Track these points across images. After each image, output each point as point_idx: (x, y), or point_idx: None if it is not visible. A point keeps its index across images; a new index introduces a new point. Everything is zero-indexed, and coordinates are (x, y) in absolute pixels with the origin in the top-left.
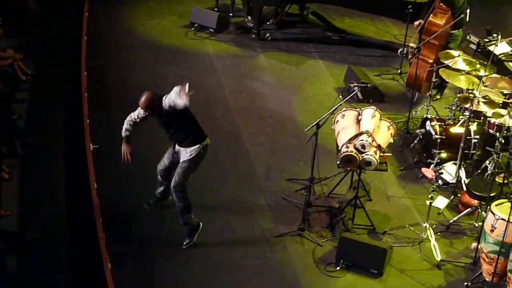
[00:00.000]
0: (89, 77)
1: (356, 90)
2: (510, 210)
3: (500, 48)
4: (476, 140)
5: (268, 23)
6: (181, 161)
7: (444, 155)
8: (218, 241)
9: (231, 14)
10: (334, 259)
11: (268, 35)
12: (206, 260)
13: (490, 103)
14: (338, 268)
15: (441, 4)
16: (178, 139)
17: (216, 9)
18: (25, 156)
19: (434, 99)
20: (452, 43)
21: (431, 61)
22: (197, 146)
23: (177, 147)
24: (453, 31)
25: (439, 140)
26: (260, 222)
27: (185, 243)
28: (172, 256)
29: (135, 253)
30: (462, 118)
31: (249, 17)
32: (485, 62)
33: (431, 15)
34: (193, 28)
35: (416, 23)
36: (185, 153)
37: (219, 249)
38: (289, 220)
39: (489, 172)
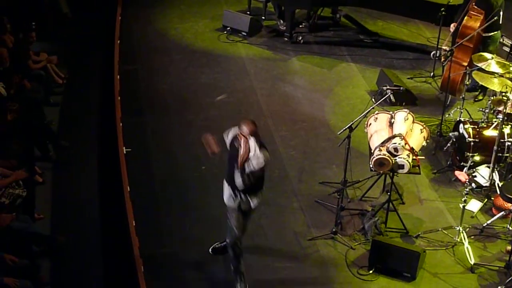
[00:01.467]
0: (122, 81)
1: (389, 93)
2: None
3: None
4: (509, 143)
5: (300, 26)
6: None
7: (477, 158)
8: (251, 244)
9: (263, 18)
10: (367, 262)
11: (300, 38)
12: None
13: None
14: (371, 271)
15: (475, 6)
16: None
17: (248, 12)
18: (58, 160)
19: (477, 99)
20: (491, 45)
21: (465, 64)
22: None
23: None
24: (491, 33)
25: (472, 143)
26: (293, 225)
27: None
28: (204, 260)
29: (167, 257)
30: (495, 121)
31: (281, 21)
32: None
33: (465, 17)
34: (225, 32)
35: (452, 25)
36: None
37: (252, 252)
38: (322, 223)
39: None
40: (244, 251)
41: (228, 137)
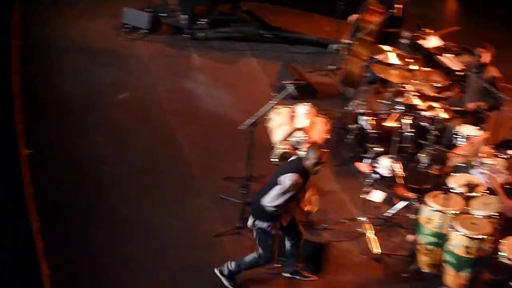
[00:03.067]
0: (22, 81)
1: (290, 88)
2: (445, 202)
3: (431, 42)
4: (409, 134)
5: (201, 22)
6: None
7: (378, 149)
8: (157, 243)
9: (163, 14)
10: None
11: (201, 34)
12: (144, 262)
13: (422, 96)
14: (278, 264)
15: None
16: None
17: (148, 9)
18: None
19: (376, 91)
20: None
21: (364, 57)
22: None
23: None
24: (392, 29)
25: (373, 135)
26: (198, 222)
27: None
28: (115, 260)
29: (73, 261)
30: (395, 112)
31: (182, 17)
32: (417, 56)
33: (365, 12)
34: (125, 29)
35: (350, 18)
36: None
37: (159, 250)
38: (227, 219)
39: (423, 164)
40: (151, 249)
41: None
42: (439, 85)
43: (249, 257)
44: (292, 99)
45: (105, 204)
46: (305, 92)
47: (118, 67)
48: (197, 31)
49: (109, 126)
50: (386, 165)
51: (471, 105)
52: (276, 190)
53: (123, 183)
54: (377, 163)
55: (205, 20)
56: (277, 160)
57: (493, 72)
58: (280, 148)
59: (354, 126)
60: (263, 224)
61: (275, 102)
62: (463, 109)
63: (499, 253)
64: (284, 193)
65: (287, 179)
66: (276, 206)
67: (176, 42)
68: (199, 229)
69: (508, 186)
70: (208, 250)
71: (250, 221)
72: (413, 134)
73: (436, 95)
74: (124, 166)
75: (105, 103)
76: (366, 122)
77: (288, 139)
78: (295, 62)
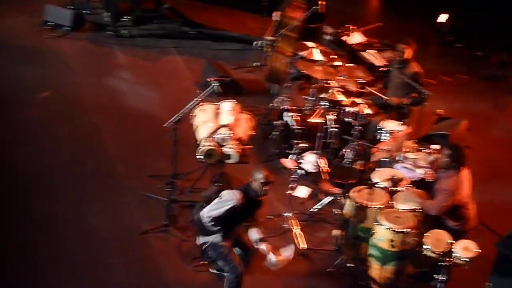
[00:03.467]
0: None
1: (215, 84)
2: (369, 196)
3: (354, 38)
4: (333, 129)
5: (124, 19)
6: None
7: (303, 145)
8: (81, 241)
9: (86, 11)
10: (200, 253)
11: (124, 31)
12: (68, 259)
13: (346, 92)
14: (203, 262)
15: None
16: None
17: (70, 6)
18: None
19: (301, 88)
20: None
21: (288, 53)
22: None
23: None
24: (314, 25)
25: (297, 131)
26: (124, 220)
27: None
28: (28, 258)
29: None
30: (319, 108)
31: (105, 14)
32: (340, 53)
33: (288, 8)
34: (47, 27)
35: (274, 14)
36: None
37: (81, 249)
38: (153, 217)
39: (347, 160)
40: (74, 247)
41: None
42: (362, 81)
43: (225, 283)
44: (217, 96)
45: (26, 202)
46: (230, 89)
47: (40, 65)
48: (121, 28)
49: (31, 125)
50: (311, 161)
51: (394, 100)
52: (213, 202)
53: (45, 181)
54: (302, 159)
55: (129, 17)
56: (203, 157)
57: (415, 67)
58: (205, 145)
59: (279, 122)
60: (208, 238)
61: (200, 99)
62: (387, 104)
63: (423, 246)
64: (220, 205)
65: (226, 193)
66: (212, 219)
67: (100, 40)
68: (125, 227)
69: (430, 180)
70: (134, 248)
71: (197, 240)
72: (337, 130)
73: (361, 90)
74: (46, 164)
75: (27, 102)
76: (290, 118)
77: (213, 136)
78: (220, 59)
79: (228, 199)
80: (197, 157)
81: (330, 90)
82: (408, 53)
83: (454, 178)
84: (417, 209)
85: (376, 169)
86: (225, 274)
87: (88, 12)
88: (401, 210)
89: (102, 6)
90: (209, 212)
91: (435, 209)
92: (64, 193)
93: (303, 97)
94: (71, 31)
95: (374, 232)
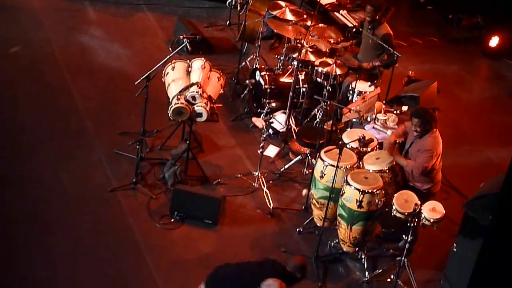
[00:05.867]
0: None
1: (186, 42)
2: (338, 156)
3: None
4: (304, 89)
5: None
6: None
7: (274, 104)
8: (51, 199)
9: None
10: (169, 211)
11: None
12: (36, 219)
13: (317, 52)
14: (172, 220)
15: None
16: None
17: None
18: None
19: (272, 47)
20: None
21: (262, 12)
22: None
23: None
24: None
25: (268, 90)
26: (93, 177)
27: None
28: (4, 217)
29: None
30: (290, 68)
31: None
32: (312, 12)
33: None
34: None
35: None
36: None
37: (52, 207)
38: (122, 174)
39: (317, 120)
40: (40, 206)
41: None
42: (333, 41)
43: None
44: (188, 54)
45: None
46: (201, 47)
47: (9, 20)
48: None
49: (1, 80)
50: (281, 120)
51: (365, 63)
52: None
53: (13, 138)
54: (272, 118)
55: None
56: (173, 115)
57: (386, 29)
58: (176, 103)
59: (250, 81)
60: None
61: (171, 56)
62: (357, 65)
63: (391, 206)
64: None
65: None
66: None
67: None
68: (93, 184)
69: (399, 142)
70: (103, 205)
71: None
72: (308, 90)
73: (333, 46)
74: (14, 121)
75: None
76: (262, 77)
77: (183, 93)
78: (191, 17)
79: None
80: (168, 115)
81: (301, 50)
82: (379, 14)
83: (433, 137)
84: (385, 170)
85: (346, 129)
86: None
87: None
88: (370, 170)
89: None
90: None
91: (417, 170)
92: (35, 150)
93: (275, 56)
94: None
95: (342, 192)
